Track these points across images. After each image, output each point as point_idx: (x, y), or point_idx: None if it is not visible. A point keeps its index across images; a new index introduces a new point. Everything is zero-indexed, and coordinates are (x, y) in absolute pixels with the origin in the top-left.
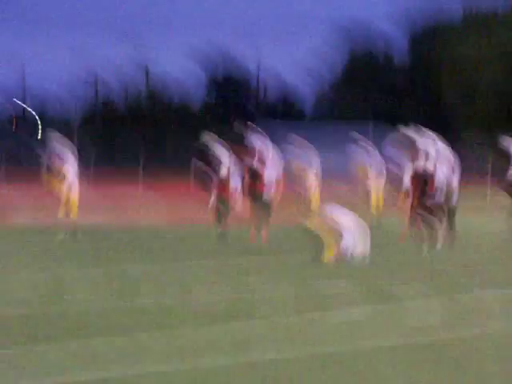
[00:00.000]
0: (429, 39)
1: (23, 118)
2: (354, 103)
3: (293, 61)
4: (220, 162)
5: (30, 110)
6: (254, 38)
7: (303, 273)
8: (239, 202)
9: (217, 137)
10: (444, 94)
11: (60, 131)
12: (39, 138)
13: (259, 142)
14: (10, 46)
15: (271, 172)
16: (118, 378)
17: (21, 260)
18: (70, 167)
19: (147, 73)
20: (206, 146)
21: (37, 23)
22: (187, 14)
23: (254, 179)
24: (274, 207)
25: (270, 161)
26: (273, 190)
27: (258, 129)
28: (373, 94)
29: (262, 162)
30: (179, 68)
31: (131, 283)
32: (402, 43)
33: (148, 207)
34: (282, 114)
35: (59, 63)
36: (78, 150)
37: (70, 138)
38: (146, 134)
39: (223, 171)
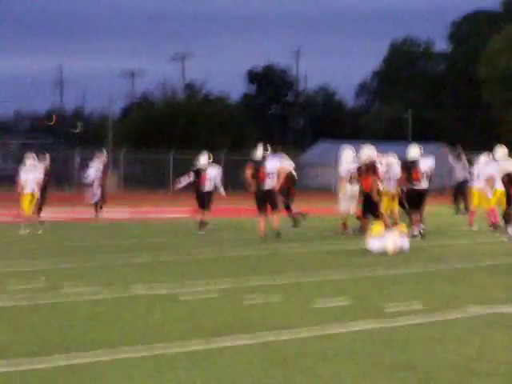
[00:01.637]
0: (469, 26)
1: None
2: (393, 93)
3: (333, 51)
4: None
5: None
6: (293, 29)
7: None
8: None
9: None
10: (483, 81)
11: (97, 125)
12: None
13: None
14: (49, 42)
15: (272, 165)
16: None
17: None
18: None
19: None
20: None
21: (76, 23)
22: (226, 9)
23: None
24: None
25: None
26: (273, 180)
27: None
28: (413, 81)
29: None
30: (217, 61)
31: None
32: (442, 30)
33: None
34: (321, 104)
35: (96, 59)
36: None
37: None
38: (181, 126)
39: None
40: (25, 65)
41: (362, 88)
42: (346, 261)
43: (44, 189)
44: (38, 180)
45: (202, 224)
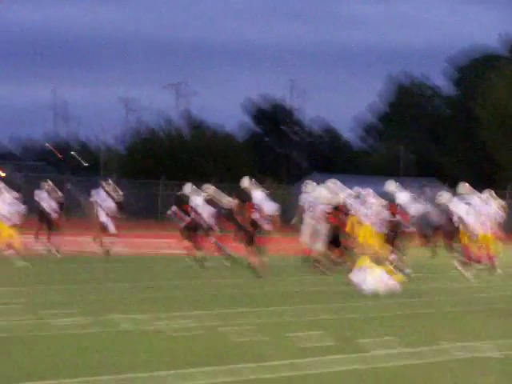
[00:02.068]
0: (474, 70)
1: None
2: (400, 135)
3: (338, 94)
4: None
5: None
6: (297, 76)
7: None
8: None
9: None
10: (487, 125)
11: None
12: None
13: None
14: (47, 72)
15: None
16: None
17: None
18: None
19: (188, 111)
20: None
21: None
22: (224, 43)
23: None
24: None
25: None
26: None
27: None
28: (419, 125)
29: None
30: (225, 103)
31: None
32: (448, 75)
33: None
34: (328, 145)
35: (96, 90)
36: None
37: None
38: (188, 165)
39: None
40: (29, 96)
41: (366, 130)
42: (334, 297)
43: (57, 223)
44: (22, 212)
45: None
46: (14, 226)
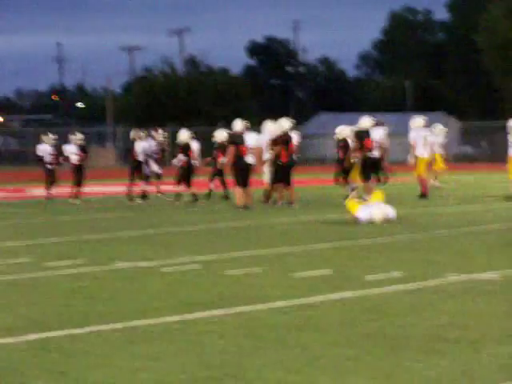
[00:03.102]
0: None
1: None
2: (394, 63)
3: (333, 23)
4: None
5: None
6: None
7: None
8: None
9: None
10: (484, 49)
11: (98, 101)
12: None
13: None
14: (47, 19)
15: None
16: None
17: None
18: None
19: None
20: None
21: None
22: None
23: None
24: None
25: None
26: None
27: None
28: (413, 51)
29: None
30: (216, 34)
31: None
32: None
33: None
34: (323, 76)
35: (94, 35)
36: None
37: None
38: (182, 99)
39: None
40: (23, 42)
41: (363, 58)
42: (330, 231)
43: (80, 166)
44: None
45: (193, 197)
46: None
